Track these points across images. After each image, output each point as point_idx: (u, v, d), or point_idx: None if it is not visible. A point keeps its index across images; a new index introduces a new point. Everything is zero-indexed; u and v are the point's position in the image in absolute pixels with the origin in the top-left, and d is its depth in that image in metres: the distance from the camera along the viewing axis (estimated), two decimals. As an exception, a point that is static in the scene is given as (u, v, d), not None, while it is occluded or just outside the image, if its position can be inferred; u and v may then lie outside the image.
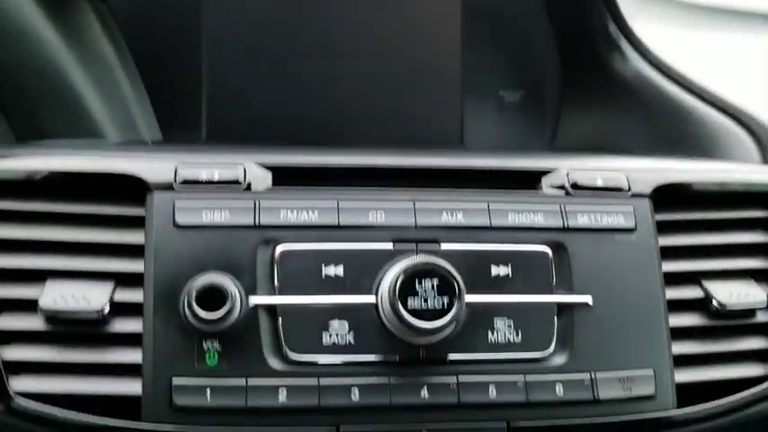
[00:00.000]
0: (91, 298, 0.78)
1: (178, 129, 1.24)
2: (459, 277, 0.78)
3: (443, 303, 0.77)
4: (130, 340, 0.79)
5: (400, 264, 0.79)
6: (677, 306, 0.88)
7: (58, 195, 0.83)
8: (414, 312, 0.76)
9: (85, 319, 0.78)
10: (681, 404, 0.85)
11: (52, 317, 0.78)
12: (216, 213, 0.82)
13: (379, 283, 0.80)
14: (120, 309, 0.79)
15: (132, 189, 0.84)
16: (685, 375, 0.86)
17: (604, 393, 0.82)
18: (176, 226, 0.81)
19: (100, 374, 0.78)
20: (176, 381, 0.77)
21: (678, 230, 0.92)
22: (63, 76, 1.11)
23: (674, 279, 0.89)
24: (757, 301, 0.90)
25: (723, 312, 0.89)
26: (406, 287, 0.77)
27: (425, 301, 0.77)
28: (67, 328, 0.78)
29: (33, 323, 0.78)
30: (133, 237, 0.82)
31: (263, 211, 0.83)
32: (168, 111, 1.24)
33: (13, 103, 1.10)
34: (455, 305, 0.77)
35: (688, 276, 0.91)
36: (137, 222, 0.83)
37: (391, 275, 0.78)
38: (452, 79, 1.31)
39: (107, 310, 0.78)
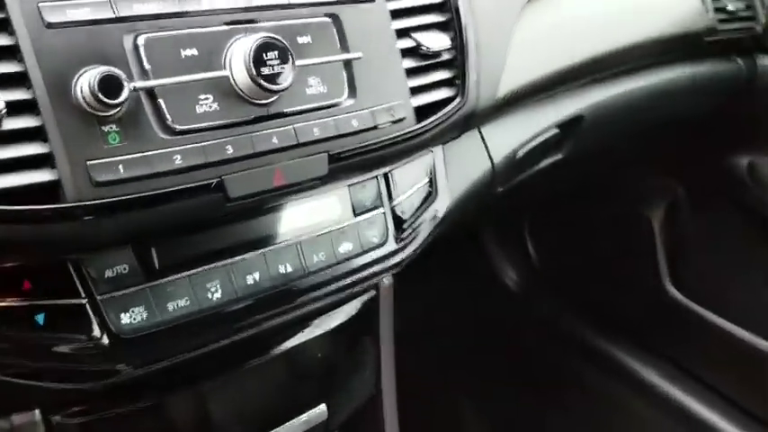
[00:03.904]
0: None
1: None
2: (290, 47, 1.00)
3: (282, 69, 0.99)
4: (32, 135, 0.85)
5: (247, 41, 0.97)
6: (404, 53, 1.23)
7: None
8: (265, 78, 0.98)
9: None
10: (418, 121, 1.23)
11: None
12: (79, 9, 0.88)
13: (229, 59, 0.98)
14: (12, 108, 0.84)
15: None
16: (416, 101, 1.23)
17: (380, 120, 1.15)
18: (47, 26, 0.86)
19: (11, 170, 0.84)
20: (90, 162, 0.88)
21: None
22: None
23: (398, 34, 1.23)
24: (445, 45, 1.29)
25: (429, 54, 1.26)
26: (258, 59, 0.97)
27: (272, 68, 0.98)
28: None
29: None
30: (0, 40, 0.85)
31: (118, 3, 0.91)
32: None
33: None
34: (292, 69, 1.00)
35: (405, 31, 1.25)
36: None
37: (241, 51, 0.97)
38: None
39: (4, 110, 0.83)
